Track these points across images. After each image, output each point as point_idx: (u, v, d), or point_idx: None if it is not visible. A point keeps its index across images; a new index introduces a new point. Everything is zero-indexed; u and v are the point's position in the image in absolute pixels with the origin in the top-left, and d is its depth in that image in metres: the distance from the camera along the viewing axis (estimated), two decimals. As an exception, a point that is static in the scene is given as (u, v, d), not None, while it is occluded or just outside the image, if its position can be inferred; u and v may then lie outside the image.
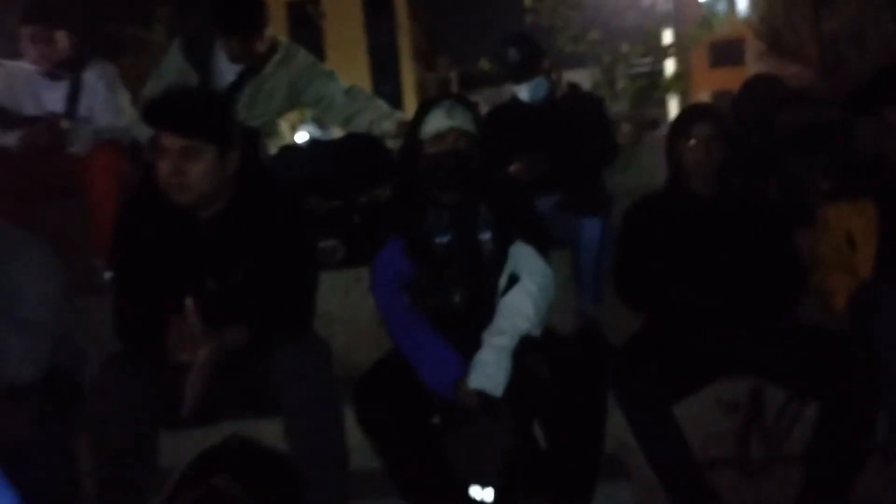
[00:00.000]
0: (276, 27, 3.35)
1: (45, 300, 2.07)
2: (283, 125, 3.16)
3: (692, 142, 2.28)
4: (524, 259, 2.13)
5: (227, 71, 3.00)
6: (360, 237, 2.80)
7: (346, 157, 2.93)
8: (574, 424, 1.98)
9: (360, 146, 3.01)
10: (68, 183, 2.94)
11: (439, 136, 2.11)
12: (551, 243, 2.27)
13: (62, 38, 3.00)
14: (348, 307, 2.68)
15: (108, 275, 2.69)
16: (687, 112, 2.42)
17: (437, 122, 2.12)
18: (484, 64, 15.42)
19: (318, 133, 6.43)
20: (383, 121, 3.01)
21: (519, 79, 3.04)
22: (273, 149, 3.24)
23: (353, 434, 2.00)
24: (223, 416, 2.12)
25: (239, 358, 1.95)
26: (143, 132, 3.07)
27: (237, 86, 2.99)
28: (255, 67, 3.00)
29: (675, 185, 2.36)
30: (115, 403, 1.82)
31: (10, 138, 2.92)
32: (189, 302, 1.83)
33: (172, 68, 3.05)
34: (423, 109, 2.16)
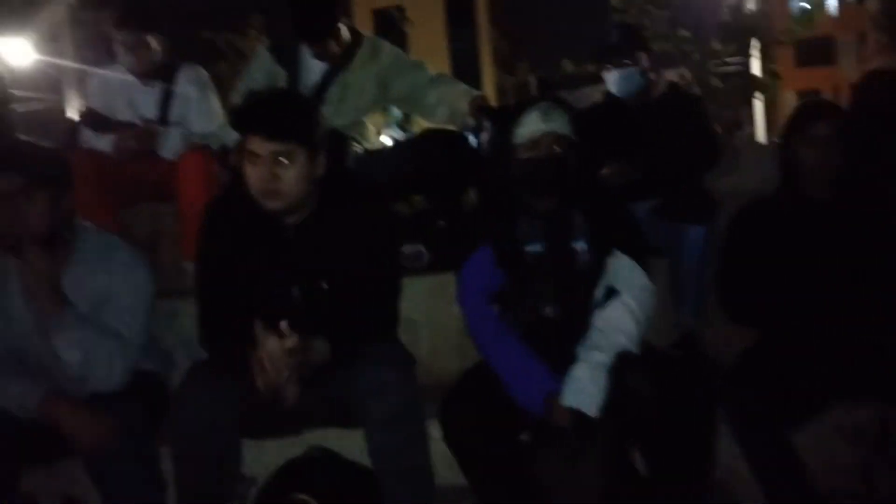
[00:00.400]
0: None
1: (134, 306, 2.07)
2: (371, 129, 3.08)
3: (810, 141, 2.10)
4: (623, 271, 2.03)
5: (314, 69, 2.98)
6: (446, 242, 2.72)
7: (429, 156, 2.84)
8: (679, 449, 1.88)
9: (442, 143, 2.91)
10: (160, 187, 2.97)
11: (534, 141, 2.03)
12: (650, 253, 2.14)
13: (155, 44, 3.04)
14: (433, 314, 2.63)
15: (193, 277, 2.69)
16: (803, 109, 2.23)
17: (532, 125, 2.03)
18: (567, 65, 15.17)
19: (401, 136, 6.40)
20: (461, 100, 2.92)
21: (612, 61, 2.89)
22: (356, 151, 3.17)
23: (438, 447, 1.94)
24: (306, 425, 2.10)
25: (324, 369, 1.90)
26: (232, 137, 3.10)
27: (324, 84, 2.96)
28: (342, 64, 2.96)
29: (789, 188, 2.19)
30: (199, 412, 1.81)
31: (104, 143, 2.97)
32: (284, 325, 1.79)
33: (261, 70, 3.06)
34: (517, 112, 2.07)
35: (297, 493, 1.90)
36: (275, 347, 1.78)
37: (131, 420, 1.93)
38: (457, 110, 2.90)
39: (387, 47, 3.07)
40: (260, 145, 1.88)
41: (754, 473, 2.00)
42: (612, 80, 2.92)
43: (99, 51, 3.36)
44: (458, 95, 2.94)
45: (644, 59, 2.93)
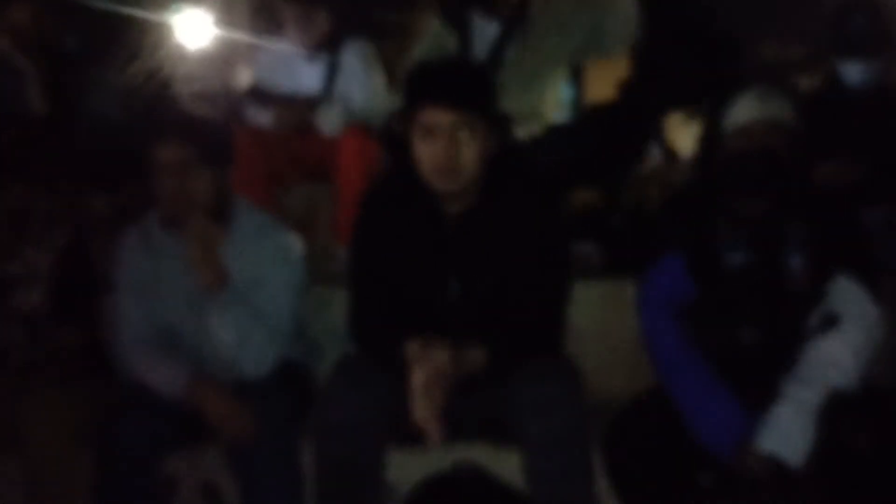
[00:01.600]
0: None
1: (285, 290, 2.04)
2: (548, 104, 2.82)
3: None
4: (848, 299, 1.76)
5: (486, 31, 2.70)
6: (622, 242, 2.54)
7: (612, 137, 2.58)
8: None
9: (626, 121, 2.64)
10: (319, 166, 2.95)
11: (747, 129, 1.78)
12: (881, 273, 1.86)
13: (322, 18, 3.02)
14: (604, 324, 2.45)
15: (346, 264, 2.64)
16: None
17: (746, 110, 1.79)
18: (767, 50, 14.06)
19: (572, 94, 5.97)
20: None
21: (859, 53, 2.53)
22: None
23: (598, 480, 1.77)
24: (456, 438, 1.93)
25: (478, 378, 1.77)
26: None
27: (500, 47, 2.67)
28: (516, 19, 2.67)
29: None
30: (346, 411, 1.74)
31: (266, 117, 2.98)
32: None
33: (430, 40, 2.84)
34: (730, 93, 1.85)
35: (444, 507, 1.77)
36: (428, 360, 1.68)
37: (276, 411, 1.90)
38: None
39: None
40: (438, 116, 1.73)
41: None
42: (854, 72, 2.57)
43: (269, 22, 3.41)
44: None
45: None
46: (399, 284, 1.84)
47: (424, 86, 1.78)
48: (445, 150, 1.73)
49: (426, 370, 1.66)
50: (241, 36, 3.41)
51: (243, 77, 3.32)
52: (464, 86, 1.77)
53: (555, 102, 2.87)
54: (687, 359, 1.79)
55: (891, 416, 1.68)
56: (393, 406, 1.75)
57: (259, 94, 3.05)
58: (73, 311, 2.11)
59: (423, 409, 1.67)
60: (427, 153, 1.76)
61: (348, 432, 1.72)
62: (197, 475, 2.13)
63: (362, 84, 3.02)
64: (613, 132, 2.61)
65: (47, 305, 2.10)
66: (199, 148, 1.94)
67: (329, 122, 2.89)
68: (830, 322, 1.74)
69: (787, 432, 1.66)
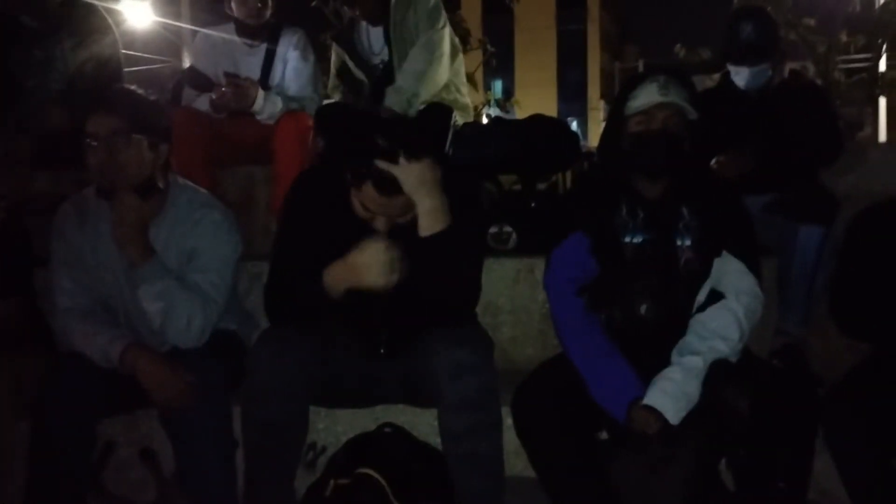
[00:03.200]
0: (471, 11, 3.25)
1: (219, 264, 2.07)
2: (468, 105, 2.98)
3: None
4: (732, 276, 1.88)
5: (374, 39, 3.00)
6: (536, 224, 2.62)
7: (532, 139, 2.73)
8: (770, 468, 1.75)
9: (548, 128, 2.81)
10: (256, 150, 2.98)
11: (647, 113, 1.88)
12: (761, 256, 1.98)
13: (270, 3, 3.06)
14: (516, 298, 2.55)
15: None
16: None
17: (647, 96, 1.88)
18: (679, 51, 14.52)
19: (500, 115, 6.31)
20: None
21: (746, 61, 2.66)
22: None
23: (511, 437, 1.87)
24: (380, 400, 2.06)
25: (399, 345, 1.86)
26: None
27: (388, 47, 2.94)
28: (382, 19, 2.95)
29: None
30: (270, 376, 1.77)
31: (203, 102, 2.99)
32: None
33: (334, 61, 3.14)
34: (633, 82, 1.93)
35: (365, 468, 1.86)
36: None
37: (208, 377, 1.94)
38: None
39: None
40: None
41: (852, 501, 1.84)
42: (741, 76, 2.70)
43: (213, 12, 3.39)
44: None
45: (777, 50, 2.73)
46: (320, 263, 1.85)
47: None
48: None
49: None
50: (183, 22, 3.41)
51: (181, 61, 3.33)
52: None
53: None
54: (589, 331, 1.88)
55: (763, 381, 1.80)
56: (317, 370, 1.82)
57: (197, 80, 3.06)
58: (12, 284, 2.14)
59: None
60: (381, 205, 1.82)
61: (272, 396, 1.77)
62: (133, 440, 2.16)
63: (297, 73, 3.07)
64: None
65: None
66: (129, 119, 1.95)
67: (267, 109, 2.93)
68: (716, 297, 1.87)
69: (671, 392, 1.76)
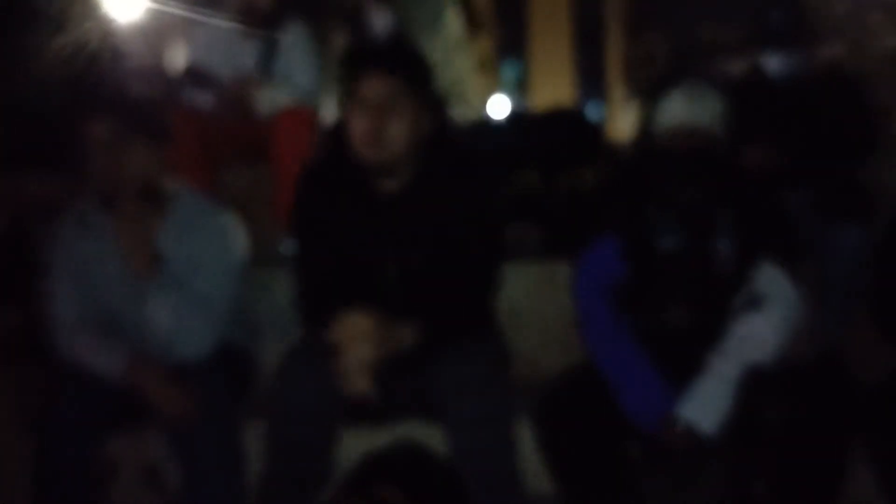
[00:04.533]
0: None
1: (224, 273, 2.01)
2: (472, 89, 2.91)
3: None
4: (770, 283, 1.82)
5: (381, 15, 2.89)
6: (560, 225, 2.55)
7: (550, 135, 2.66)
8: (806, 481, 1.71)
9: (567, 122, 2.73)
10: (258, 147, 2.88)
11: (675, 131, 1.84)
12: (799, 258, 1.94)
13: None
14: (540, 305, 2.48)
15: (286, 247, 2.62)
16: None
17: (675, 112, 1.84)
18: (706, 32, 14.28)
19: (516, 100, 6.24)
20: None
21: (779, 46, 2.61)
22: (461, 117, 3.01)
23: (532, 453, 1.82)
24: (396, 416, 1.98)
25: (410, 356, 1.78)
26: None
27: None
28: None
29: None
30: (300, 396, 1.73)
31: (204, 100, 2.90)
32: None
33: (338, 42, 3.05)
34: (660, 91, 1.88)
35: (381, 485, 1.79)
36: (352, 329, 1.66)
37: (215, 392, 1.89)
38: None
39: None
40: (371, 85, 1.74)
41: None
42: (773, 63, 2.65)
43: (209, 3, 3.32)
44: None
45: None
46: (338, 263, 1.83)
47: (361, 58, 1.81)
48: (373, 120, 1.73)
49: (348, 324, 1.66)
50: (177, 11, 3.32)
51: (179, 55, 3.25)
52: (397, 57, 1.80)
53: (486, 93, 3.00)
54: (617, 337, 1.84)
55: (801, 390, 1.74)
56: (341, 388, 1.73)
57: (196, 76, 2.96)
58: (11, 295, 2.10)
59: (356, 381, 1.67)
60: (357, 125, 1.76)
61: (302, 417, 1.72)
62: (138, 458, 2.10)
63: (299, 64, 2.96)
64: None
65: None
66: (130, 122, 1.89)
67: (267, 102, 2.84)
68: (753, 303, 1.80)
69: (705, 403, 1.72)
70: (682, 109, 1.83)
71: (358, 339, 1.65)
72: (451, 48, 2.89)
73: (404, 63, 1.79)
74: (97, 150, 1.88)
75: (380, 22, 2.93)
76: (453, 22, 2.89)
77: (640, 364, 1.80)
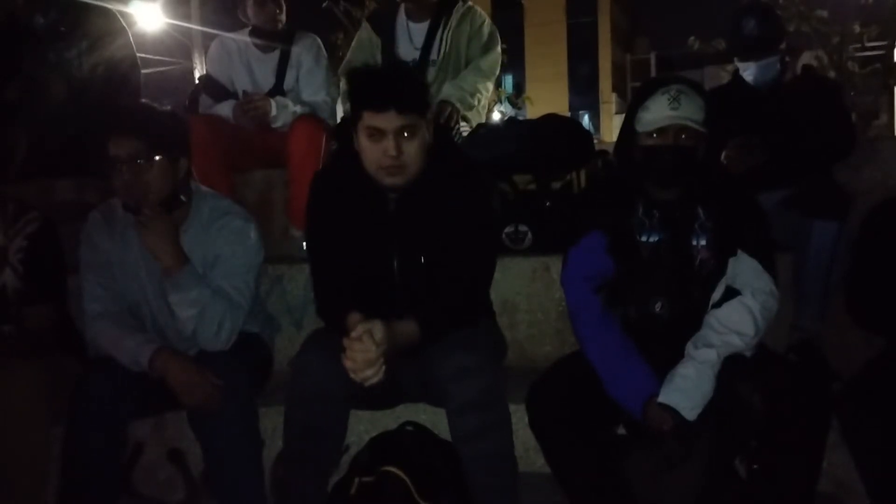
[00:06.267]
0: (481, 6, 3.34)
1: (243, 269, 2.10)
2: (483, 102, 3.04)
3: None
4: (747, 274, 1.89)
5: (413, 32, 3.07)
6: (552, 223, 2.64)
7: (546, 139, 2.76)
8: (785, 462, 1.76)
9: (562, 128, 2.84)
10: (272, 154, 3.01)
11: (658, 131, 1.89)
12: (776, 253, 1.99)
13: (284, 8, 3.09)
14: (533, 297, 2.57)
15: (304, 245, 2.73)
16: None
17: (658, 111, 1.88)
18: (693, 43, 14.41)
19: (513, 113, 6.32)
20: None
21: (751, 56, 2.67)
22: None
23: (528, 436, 1.90)
24: (401, 400, 2.10)
25: (416, 346, 1.88)
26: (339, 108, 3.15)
27: (427, 45, 3.03)
28: (439, 20, 3.03)
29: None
30: (315, 382, 1.81)
31: (221, 110, 3.02)
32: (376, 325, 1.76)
33: (362, 41, 3.20)
34: (645, 92, 1.93)
35: (389, 465, 1.89)
36: (364, 348, 1.74)
37: (235, 380, 1.97)
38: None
39: (481, 15, 3.14)
40: (383, 121, 1.83)
41: (868, 492, 1.86)
42: (750, 71, 2.71)
43: (223, 14, 3.40)
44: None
45: (783, 43, 2.72)
46: (349, 262, 1.93)
47: (369, 93, 1.86)
48: (389, 151, 1.84)
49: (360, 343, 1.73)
50: (193, 23, 3.42)
51: (202, 68, 3.34)
52: (406, 93, 1.85)
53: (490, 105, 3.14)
54: (605, 328, 1.90)
55: (779, 377, 1.81)
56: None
57: (214, 89, 3.09)
58: (44, 291, 2.17)
59: (364, 374, 1.74)
60: (373, 152, 1.87)
61: (317, 401, 1.81)
62: (162, 441, 2.20)
63: (310, 77, 3.10)
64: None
65: (20, 287, 2.15)
66: (151, 141, 1.96)
67: (281, 115, 2.96)
68: (731, 295, 1.87)
69: (687, 389, 1.78)
70: (666, 107, 1.86)
71: (366, 342, 1.73)
72: (490, 71, 3.11)
73: (409, 99, 1.85)
74: (119, 168, 1.97)
75: (415, 35, 3.11)
76: (497, 66, 3.15)
77: (626, 352, 1.87)
